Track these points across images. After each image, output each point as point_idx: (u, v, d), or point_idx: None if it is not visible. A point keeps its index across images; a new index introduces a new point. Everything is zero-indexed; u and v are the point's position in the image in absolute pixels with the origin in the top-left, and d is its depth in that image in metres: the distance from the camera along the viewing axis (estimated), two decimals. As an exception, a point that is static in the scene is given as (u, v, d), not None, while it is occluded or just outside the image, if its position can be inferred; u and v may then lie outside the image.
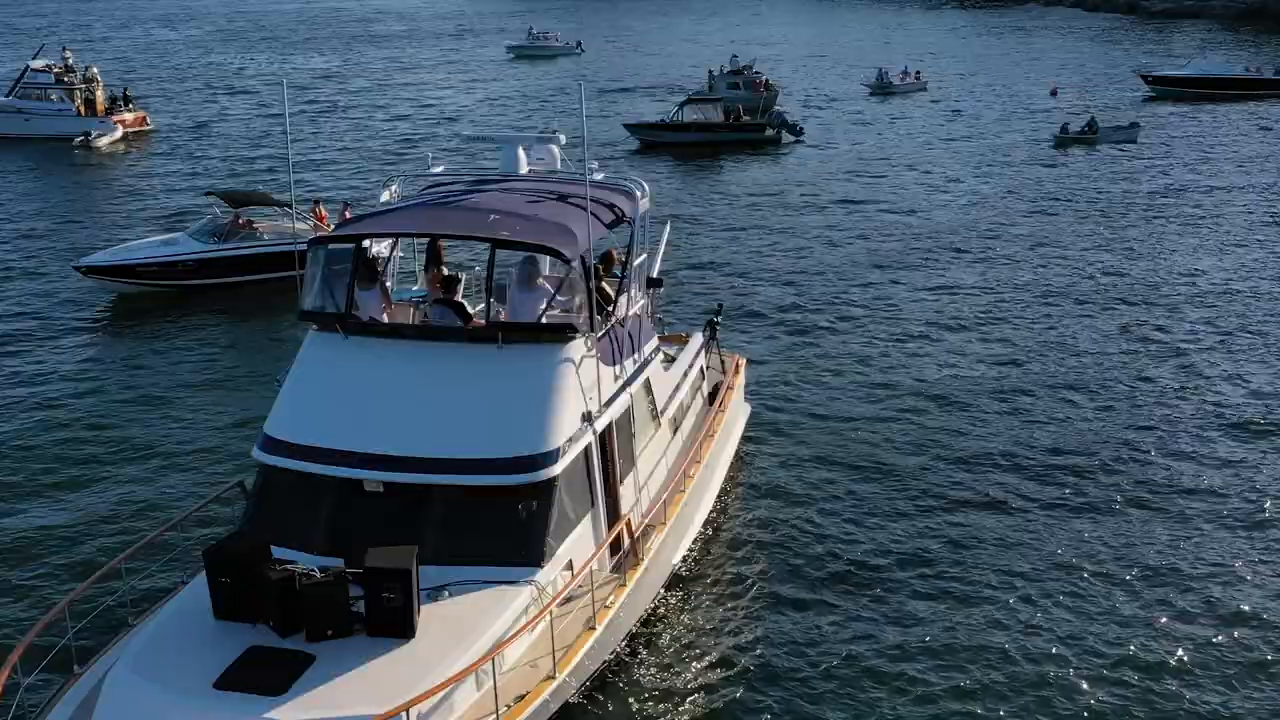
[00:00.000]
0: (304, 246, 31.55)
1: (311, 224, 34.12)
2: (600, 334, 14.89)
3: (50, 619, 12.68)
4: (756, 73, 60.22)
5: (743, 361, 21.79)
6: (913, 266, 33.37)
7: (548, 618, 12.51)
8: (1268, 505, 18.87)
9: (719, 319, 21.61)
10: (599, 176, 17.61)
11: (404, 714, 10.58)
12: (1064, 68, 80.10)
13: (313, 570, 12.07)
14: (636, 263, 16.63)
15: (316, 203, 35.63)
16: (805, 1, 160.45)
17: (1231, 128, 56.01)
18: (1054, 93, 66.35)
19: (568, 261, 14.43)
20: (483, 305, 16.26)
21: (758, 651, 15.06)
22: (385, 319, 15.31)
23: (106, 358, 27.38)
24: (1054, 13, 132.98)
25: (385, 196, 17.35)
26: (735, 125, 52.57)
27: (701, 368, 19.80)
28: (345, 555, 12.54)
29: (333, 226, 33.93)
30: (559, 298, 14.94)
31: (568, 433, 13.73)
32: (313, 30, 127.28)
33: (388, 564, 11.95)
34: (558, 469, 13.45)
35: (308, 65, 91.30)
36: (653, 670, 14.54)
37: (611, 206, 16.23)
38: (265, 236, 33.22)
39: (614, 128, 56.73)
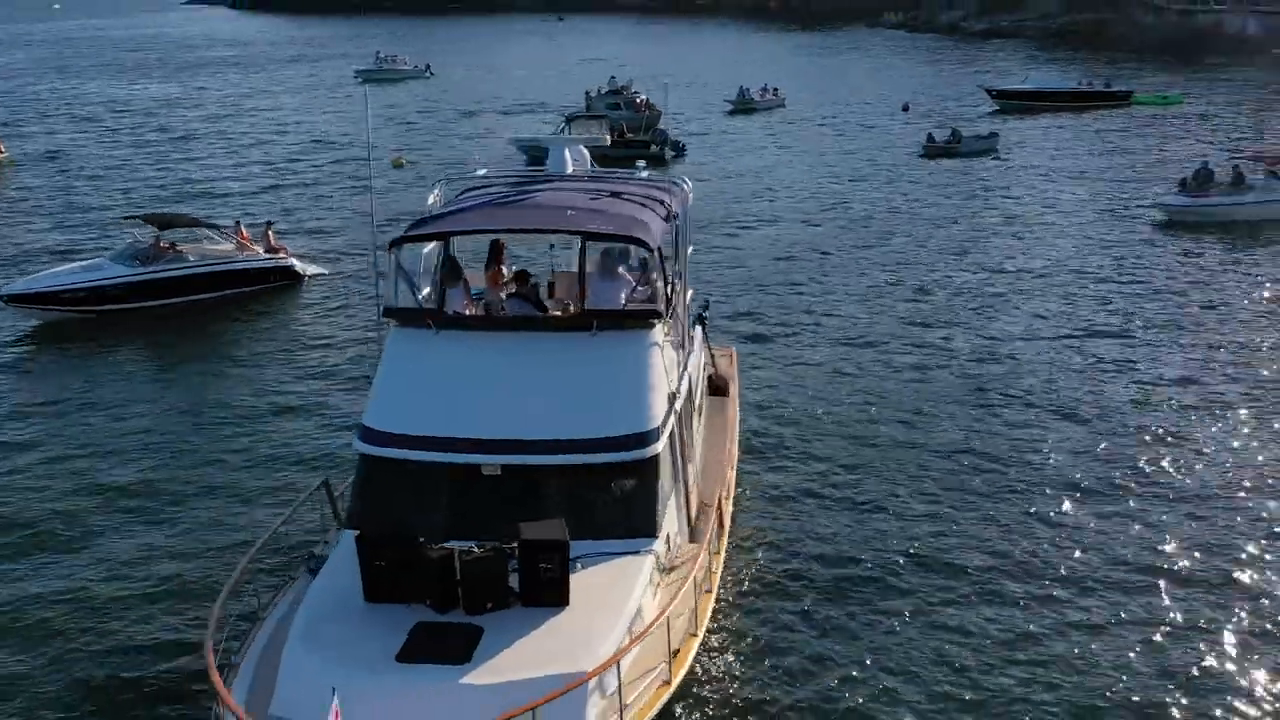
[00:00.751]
0: (234, 267, 32.87)
1: (235, 244, 33.86)
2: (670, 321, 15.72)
3: (218, 616, 12.77)
4: (635, 92, 61.65)
5: (735, 353, 22.82)
6: (816, 275, 34.72)
7: (690, 583, 13.28)
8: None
9: (706, 314, 22.55)
10: (644, 175, 18.42)
11: (616, 666, 11.17)
12: (907, 84, 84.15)
13: (471, 548, 12.52)
14: (688, 254, 17.48)
15: (237, 223, 35.30)
16: (632, 26, 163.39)
17: (1073, 135, 60.12)
18: (905, 108, 69.78)
19: (651, 251, 15.20)
20: (554, 298, 16.86)
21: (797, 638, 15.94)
22: (467, 314, 15.77)
23: (34, 386, 26.73)
24: (878, 34, 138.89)
25: (431, 200, 17.74)
26: (622, 143, 53.72)
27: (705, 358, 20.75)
28: (411, 541, 12.79)
29: (259, 247, 33.82)
30: (639, 287, 15.66)
31: (662, 412, 14.51)
32: (142, 57, 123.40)
33: (544, 536, 12.50)
34: (660, 445, 14.21)
35: (148, 93, 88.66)
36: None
37: (661, 201, 17.05)
38: (192, 258, 32.74)
39: (491, 146, 57.49)
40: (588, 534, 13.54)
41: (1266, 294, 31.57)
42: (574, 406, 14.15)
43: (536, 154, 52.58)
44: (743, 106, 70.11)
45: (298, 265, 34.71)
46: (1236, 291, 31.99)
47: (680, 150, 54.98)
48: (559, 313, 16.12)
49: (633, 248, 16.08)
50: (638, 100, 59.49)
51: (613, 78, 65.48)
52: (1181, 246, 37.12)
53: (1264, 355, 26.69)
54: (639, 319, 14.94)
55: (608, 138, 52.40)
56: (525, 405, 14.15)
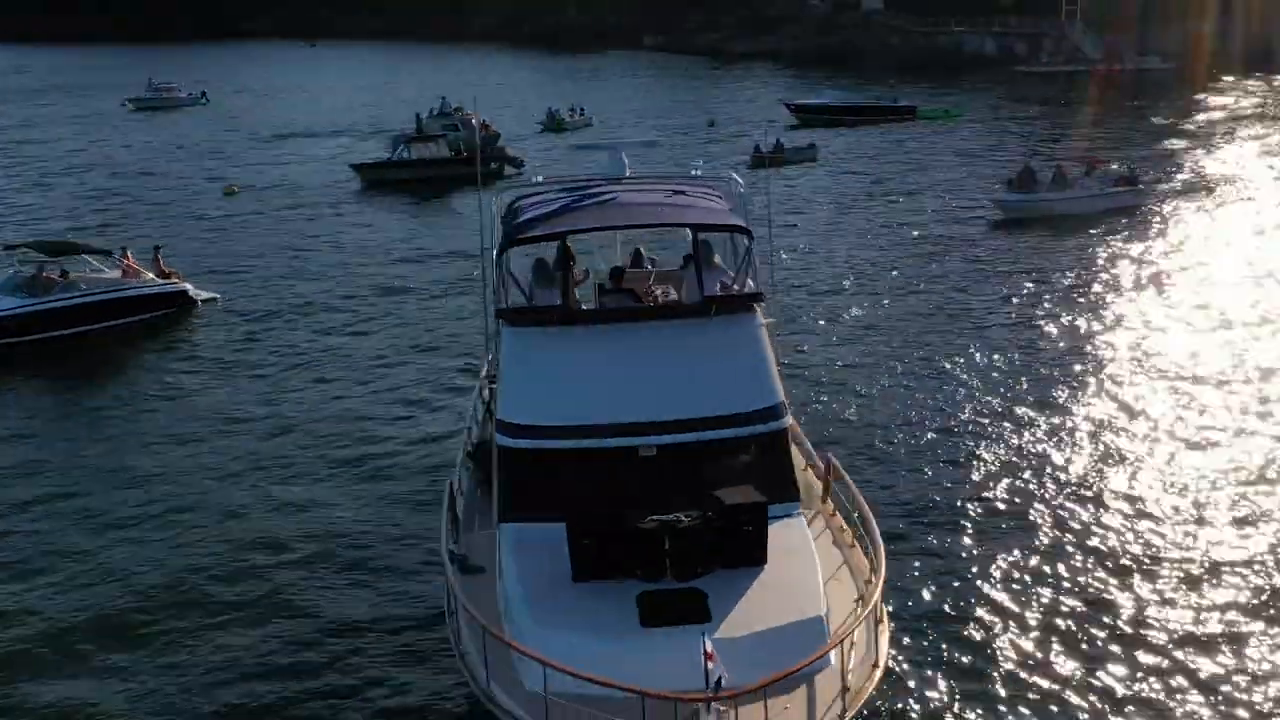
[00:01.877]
0: (128, 294, 31.36)
1: (121, 271, 32.56)
2: None
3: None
4: (468, 113, 61.97)
5: None
6: None
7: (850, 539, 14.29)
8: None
9: None
10: (698, 174, 19.26)
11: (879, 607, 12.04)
12: (699, 101, 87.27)
13: (679, 518, 13.09)
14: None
15: (124, 250, 33.87)
16: (384, 52, 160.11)
17: (877, 145, 64.14)
18: (711, 123, 72.49)
19: (753, 238, 16.07)
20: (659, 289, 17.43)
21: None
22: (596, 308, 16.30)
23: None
24: (639, 57, 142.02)
25: (496, 206, 18.11)
26: (462, 161, 54.03)
27: None
28: (621, 518, 13.35)
29: (147, 274, 32.50)
30: (730, 272, 16.44)
31: (781, 385, 15.47)
32: None
33: (745, 500, 13.27)
34: (789, 416, 15.17)
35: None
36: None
37: (720, 196, 17.96)
38: (84, 286, 31.24)
39: (319, 171, 56.73)
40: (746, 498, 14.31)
41: (1093, 276, 35.26)
42: (711, 386, 14.91)
43: (373, 176, 52.53)
44: (554, 126, 71.11)
45: (191, 290, 33.55)
46: (1067, 273, 35.58)
47: (520, 165, 55.60)
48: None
49: (731, 236, 16.85)
50: (474, 120, 59.78)
51: (443, 98, 65.57)
52: (1017, 238, 40.79)
53: (1093, 329, 29.94)
54: (751, 301, 15.81)
55: (447, 155, 53.45)
56: (668, 388, 14.81)
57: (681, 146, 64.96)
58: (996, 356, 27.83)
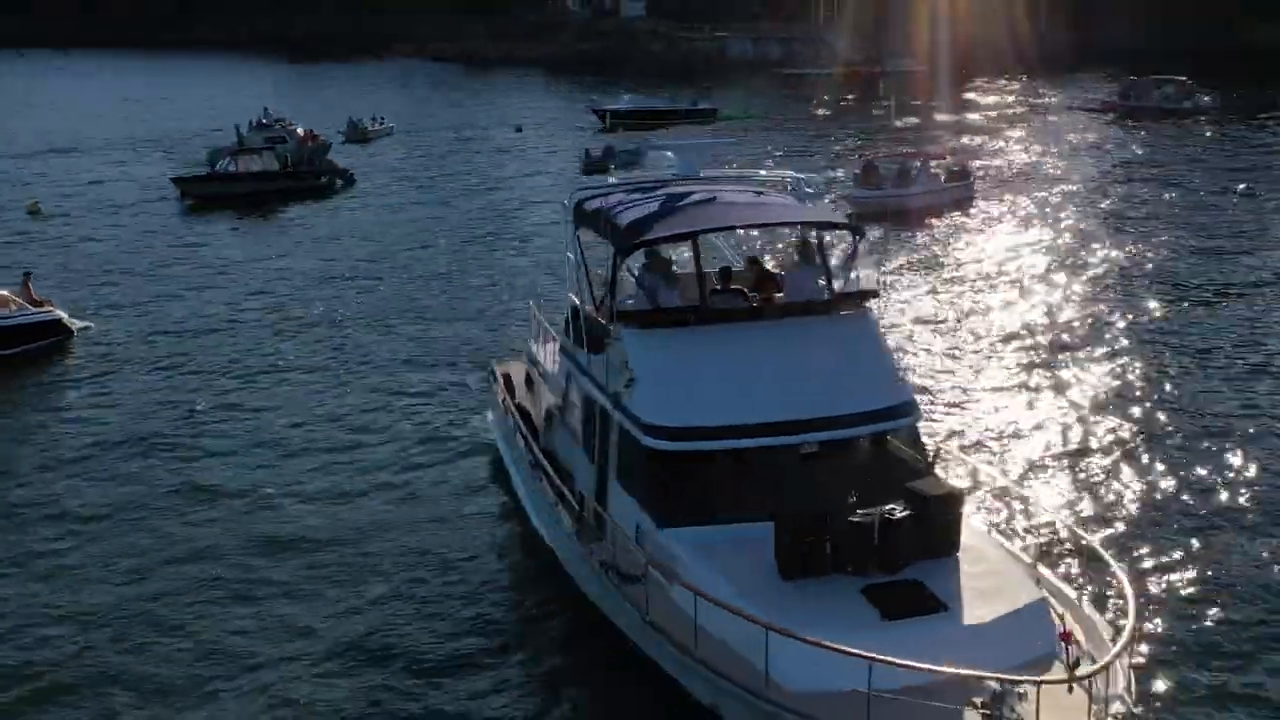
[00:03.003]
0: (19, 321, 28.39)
1: (22, 296, 30.02)
2: None
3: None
4: (292, 124, 59.29)
5: None
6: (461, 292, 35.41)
7: None
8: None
9: None
10: (764, 174, 19.21)
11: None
12: (487, 108, 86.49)
13: (890, 511, 13.11)
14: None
15: (26, 275, 31.26)
16: (127, 60, 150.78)
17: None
18: (518, 129, 72.04)
19: (864, 235, 16.20)
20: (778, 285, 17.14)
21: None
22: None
23: None
24: (396, 64, 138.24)
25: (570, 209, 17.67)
26: (292, 174, 51.79)
27: None
28: (832, 514, 13.42)
29: (20, 301, 29.72)
30: (841, 269, 16.51)
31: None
32: None
33: (943, 491, 13.45)
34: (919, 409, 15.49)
35: None
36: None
37: (794, 194, 18.05)
38: (-15, 313, 28.52)
39: (128, 187, 53.11)
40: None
41: (945, 264, 37.48)
42: (853, 382, 15.06)
43: (196, 191, 49.55)
44: (357, 136, 68.94)
45: (66, 319, 30.83)
46: (921, 263, 37.68)
47: (350, 180, 53.86)
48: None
49: (842, 233, 16.86)
50: (302, 132, 57.36)
51: (266, 109, 62.43)
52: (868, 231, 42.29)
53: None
54: (869, 298, 15.95)
55: (276, 168, 51.08)
56: (815, 385, 14.85)
57: (499, 151, 64.50)
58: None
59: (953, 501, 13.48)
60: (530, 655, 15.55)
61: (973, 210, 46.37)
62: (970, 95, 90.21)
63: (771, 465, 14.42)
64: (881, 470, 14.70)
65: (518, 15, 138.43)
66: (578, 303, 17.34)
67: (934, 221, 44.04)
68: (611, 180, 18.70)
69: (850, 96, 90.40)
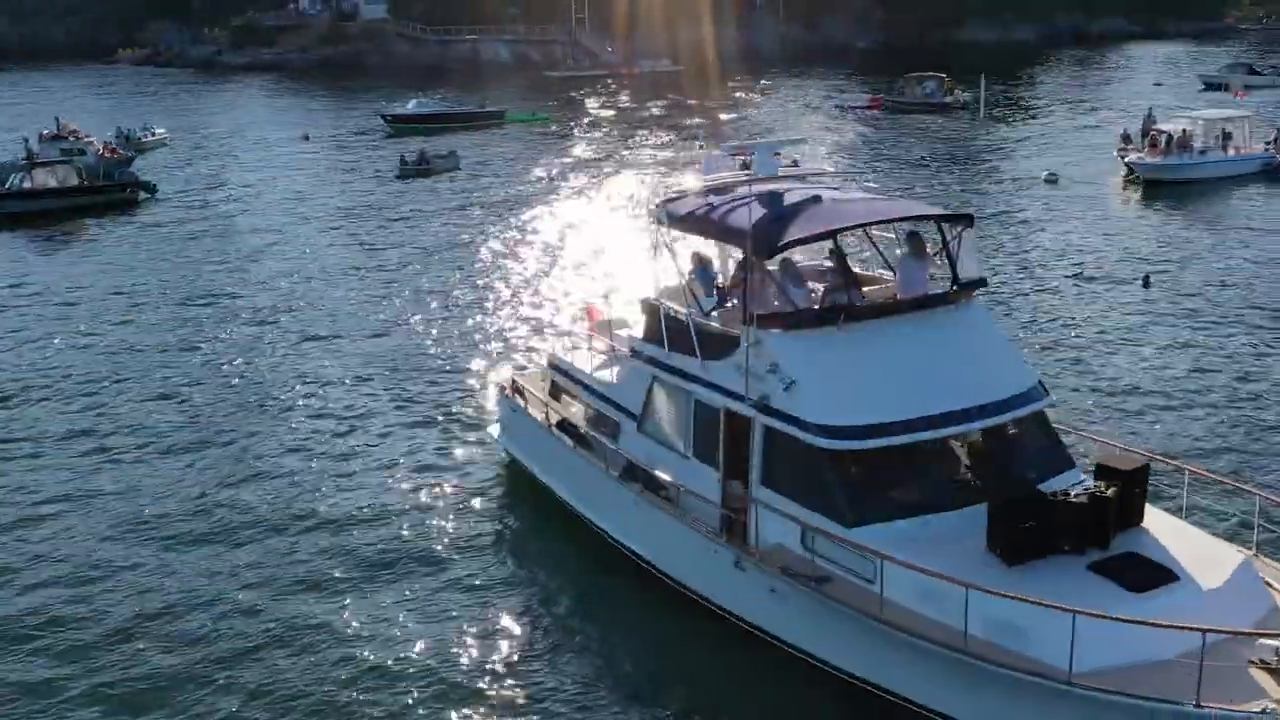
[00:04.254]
0: None
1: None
2: None
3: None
4: (87, 135, 54.56)
5: None
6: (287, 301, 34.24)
7: None
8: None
9: None
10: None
11: None
12: (253, 117, 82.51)
13: (1100, 488, 13.55)
14: None
15: None
16: None
17: (501, 147, 64.62)
18: (306, 137, 69.21)
19: (973, 225, 16.55)
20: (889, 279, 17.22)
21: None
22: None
23: None
24: (120, 72, 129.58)
25: (653, 207, 17.09)
26: (94, 188, 47.91)
27: None
28: (1049, 496, 13.84)
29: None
30: (959, 260, 16.59)
31: None
32: None
33: (1135, 465, 14.01)
34: None
35: None
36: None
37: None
38: None
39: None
40: (1049, 472, 15.04)
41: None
42: (992, 369, 15.47)
43: None
44: (129, 148, 64.12)
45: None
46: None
47: (153, 191, 50.36)
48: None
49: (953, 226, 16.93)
50: (101, 144, 52.92)
51: (57, 119, 57.13)
52: None
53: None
54: (980, 287, 16.34)
55: (76, 182, 47.19)
56: (965, 374, 15.14)
57: (298, 158, 61.75)
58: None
59: (1144, 473, 14.09)
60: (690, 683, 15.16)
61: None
62: (743, 93, 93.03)
63: (944, 456, 14.65)
64: (1032, 450, 15.16)
65: (255, 19, 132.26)
66: (677, 309, 16.96)
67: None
68: (692, 183, 18.26)
69: (624, 97, 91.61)
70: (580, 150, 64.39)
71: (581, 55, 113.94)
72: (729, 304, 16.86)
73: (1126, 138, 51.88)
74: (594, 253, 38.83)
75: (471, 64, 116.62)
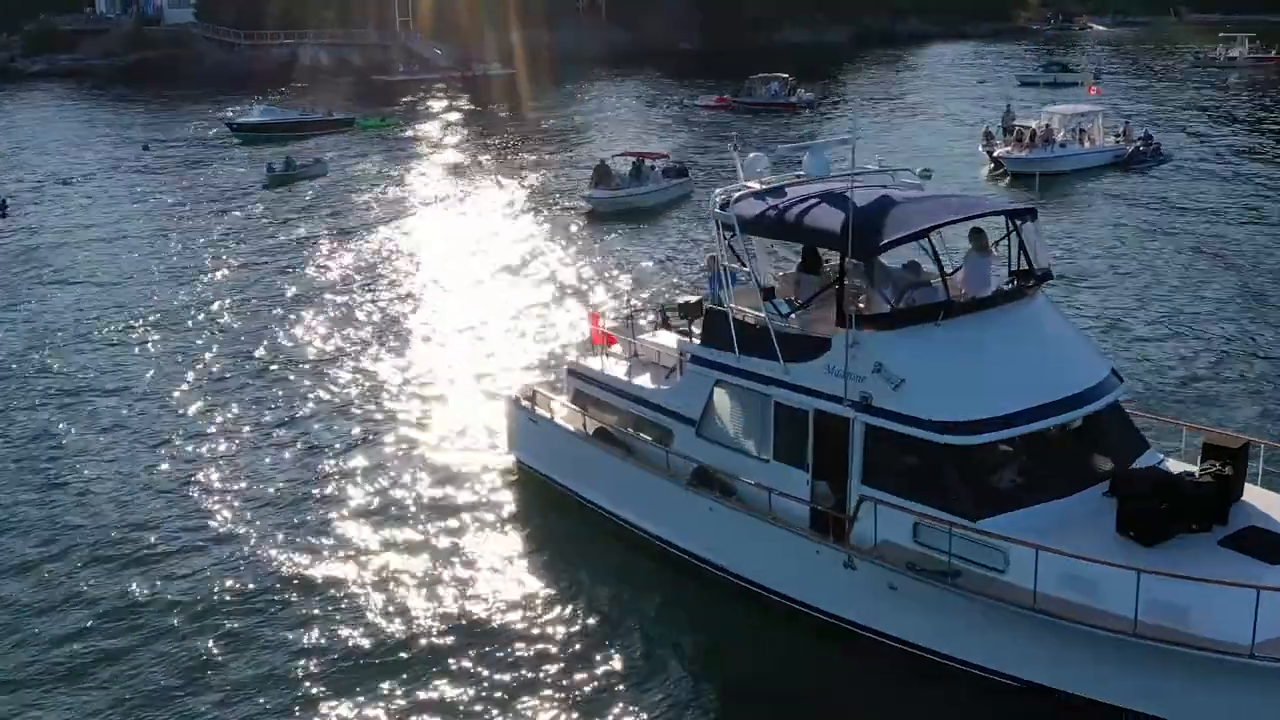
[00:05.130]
0: None
1: None
2: None
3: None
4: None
5: None
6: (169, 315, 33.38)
7: None
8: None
9: None
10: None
11: None
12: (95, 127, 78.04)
13: (1219, 466, 14.16)
14: None
15: None
16: None
17: (345, 154, 62.80)
18: (146, 147, 65.82)
19: (1036, 219, 16.97)
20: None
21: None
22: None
23: None
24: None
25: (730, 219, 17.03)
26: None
27: None
28: (1121, 485, 14.39)
29: None
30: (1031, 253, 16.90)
31: None
32: None
33: (1240, 443, 14.80)
34: None
35: None
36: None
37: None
38: None
39: None
40: (1136, 454, 15.66)
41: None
42: (1078, 358, 16.06)
43: None
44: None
45: None
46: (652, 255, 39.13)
47: (3, 209, 47.01)
48: None
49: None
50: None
51: None
52: (605, 228, 43.35)
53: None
54: (1049, 279, 16.80)
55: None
56: (1057, 364, 15.69)
57: (146, 170, 58.63)
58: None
59: (1245, 451, 14.79)
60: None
61: (693, 204, 48.40)
62: (582, 95, 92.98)
63: (1052, 444, 15.05)
64: (1121, 433, 15.73)
65: (50, 23, 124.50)
66: (748, 312, 16.90)
67: (659, 218, 45.78)
68: (752, 184, 18.08)
69: (465, 101, 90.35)
70: (445, 155, 63.49)
71: (411, 59, 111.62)
72: (810, 306, 16.90)
73: (989, 134, 54.20)
74: (526, 255, 38.45)
75: (291, 69, 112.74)
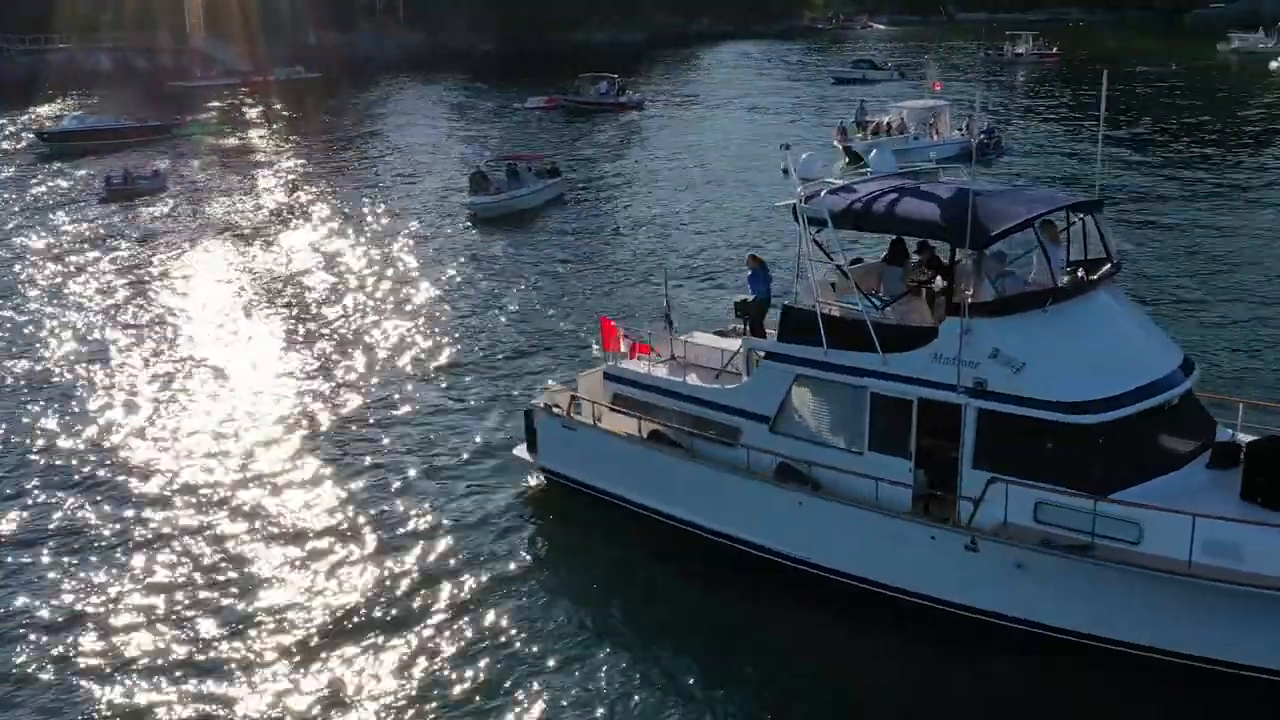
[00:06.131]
0: None
1: None
2: None
3: None
4: None
5: None
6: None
7: None
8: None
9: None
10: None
11: None
12: None
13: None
14: None
15: None
16: None
17: (176, 163, 59.51)
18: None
19: (1102, 210, 17.55)
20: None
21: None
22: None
23: None
24: None
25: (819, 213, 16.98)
26: None
27: None
28: (1173, 463, 15.30)
29: None
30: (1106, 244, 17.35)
31: None
32: None
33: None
34: None
35: None
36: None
37: None
38: None
39: None
40: (1214, 429, 16.51)
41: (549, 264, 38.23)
42: (1161, 340, 16.75)
43: None
44: None
45: None
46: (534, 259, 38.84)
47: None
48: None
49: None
50: None
51: None
52: (494, 234, 42.89)
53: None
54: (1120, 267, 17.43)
55: None
56: (1150, 347, 16.36)
57: None
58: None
59: None
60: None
61: (568, 203, 48.22)
62: (395, 98, 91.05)
63: (1159, 420, 15.62)
64: (1201, 410, 16.50)
65: None
66: (835, 306, 16.94)
67: (545, 217, 45.47)
68: (837, 181, 17.99)
69: (277, 105, 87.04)
70: (284, 163, 61.00)
71: (209, 65, 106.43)
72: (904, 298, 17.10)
73: (844, 130, 55.85)
74: (421, 269, 37.40)
75: (71, 74, 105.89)
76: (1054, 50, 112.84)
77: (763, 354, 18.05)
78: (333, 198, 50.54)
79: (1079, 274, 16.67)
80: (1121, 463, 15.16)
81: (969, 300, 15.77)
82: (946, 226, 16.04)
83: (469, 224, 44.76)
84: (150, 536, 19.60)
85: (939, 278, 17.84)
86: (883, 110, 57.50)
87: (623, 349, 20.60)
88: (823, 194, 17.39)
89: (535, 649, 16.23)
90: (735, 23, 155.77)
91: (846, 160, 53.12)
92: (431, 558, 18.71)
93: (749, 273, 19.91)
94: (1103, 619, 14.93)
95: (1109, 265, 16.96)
